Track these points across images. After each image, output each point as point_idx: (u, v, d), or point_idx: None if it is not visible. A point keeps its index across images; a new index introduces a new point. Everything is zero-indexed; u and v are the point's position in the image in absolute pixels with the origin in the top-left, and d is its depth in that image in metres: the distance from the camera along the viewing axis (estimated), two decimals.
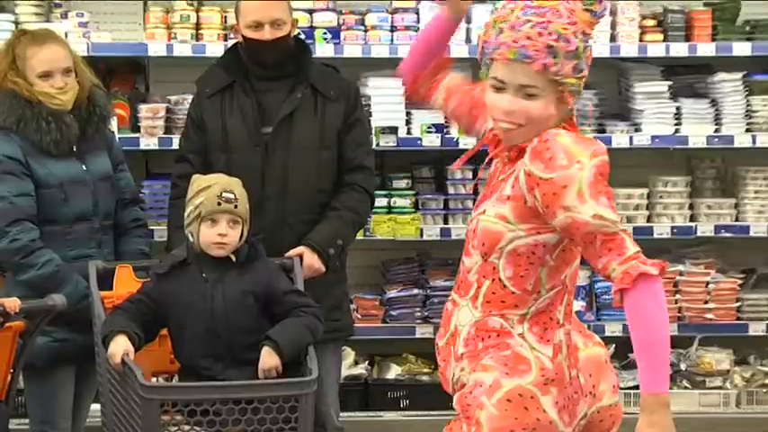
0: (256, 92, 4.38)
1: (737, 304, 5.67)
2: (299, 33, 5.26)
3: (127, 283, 4.01)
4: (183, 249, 3.82)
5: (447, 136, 5.50)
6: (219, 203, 3.74)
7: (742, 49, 5.62)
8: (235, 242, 3.77)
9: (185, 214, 3.81)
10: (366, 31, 5.52)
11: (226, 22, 5.46)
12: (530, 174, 2.71)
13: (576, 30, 2.73)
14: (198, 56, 5.39)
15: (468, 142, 5.44)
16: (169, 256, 3.87)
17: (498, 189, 2.83)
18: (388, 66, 5.26)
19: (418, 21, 5.51)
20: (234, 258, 3.79)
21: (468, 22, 5.51)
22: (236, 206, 3.76)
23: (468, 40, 5.52)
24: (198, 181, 3.84)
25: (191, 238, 3.79)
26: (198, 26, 5.44)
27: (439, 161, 5.72)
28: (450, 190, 5.66)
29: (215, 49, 5.37)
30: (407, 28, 5.51)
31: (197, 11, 5.46)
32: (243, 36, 4.36)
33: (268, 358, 3.64)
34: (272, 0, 4.34)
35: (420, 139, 5.42)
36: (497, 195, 2.81)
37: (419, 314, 5.58)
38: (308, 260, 4.22)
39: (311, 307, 3.82)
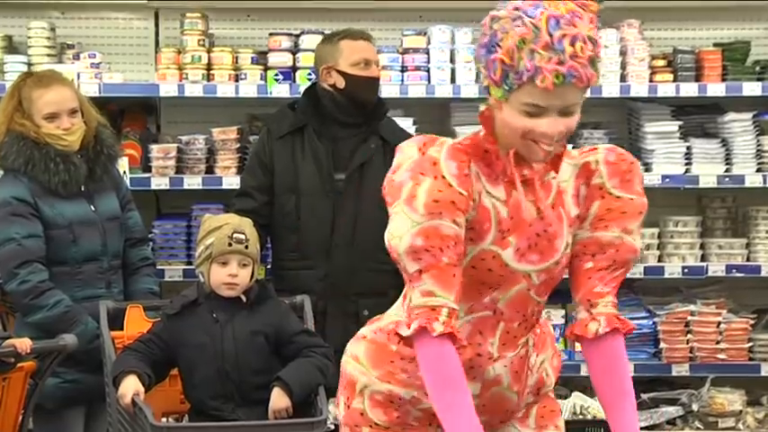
0: (329, 137, 4.43)
1: (749, 344, 5.64)
2: (309, 73, 5.32)
3: (137, 323, 4.01)
4: (193, 290, 3.84)
5: None
6: (230, 244, 3.76)
7: (752, 89, 5.62)
8: (245, 283, 3.78)
9: (196, 254, 3.84)
10: None
11: (237, 62, 5.48)
12: (601, 187, 2.66)
13: (596, 25, 2.50)
14: (209, 96, 5.42)
15: None
16: (180, 296, 3.88)
17: (557, 213, 2.62)
18: (398, 106, 5.28)
19: (428, 61, 5.53)
20: (244, 299, 3.78)
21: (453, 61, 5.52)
22: (246, 246, 3.77)
23: (478, 79, 5.51)
24: (209, 221, 3.86)
25: (201, 279, 3.80)
26: (209, 67, 5.46)
27: None
28: None
29: (226, 89, 5.40)
30: (418, 68, 5.53)
31: (208, 51, 5.48)
32: (346, 74, 4.45)
33: (278, 399, 3.63)
34: (370, 42, 4.58)
35: None
36: (567, 220, 2.64)
37: None
38: None
39: (322, 347, 3.83)
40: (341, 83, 4.45)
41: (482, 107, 2.58)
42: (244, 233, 3.80)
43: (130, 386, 3.60)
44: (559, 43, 2.41)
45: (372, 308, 4.36)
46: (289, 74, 5.46)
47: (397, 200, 2.49)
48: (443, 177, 2.47)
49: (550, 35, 2.41)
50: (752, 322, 5.69)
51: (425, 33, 5.60)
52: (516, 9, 2.46)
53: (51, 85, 4.22)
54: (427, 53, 5.56)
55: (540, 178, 2.60)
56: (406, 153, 2.54)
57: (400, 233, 2.48)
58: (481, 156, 2.56)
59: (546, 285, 2.65)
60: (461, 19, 5.65)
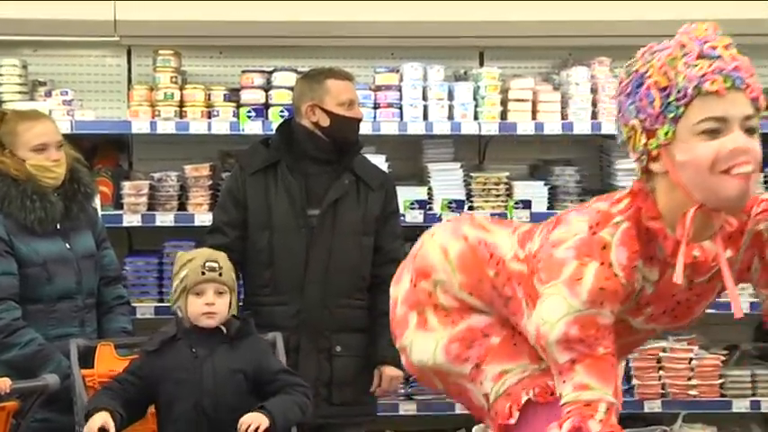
0: (302, 173, 4.44)
1: (721, 381, 5.64)
2: (282, 110, 5.33)
3: (108, 361, 3.98)
4: (172, 325, 3.82)
5: (429, 212, 5.51)
6: (204, 273, 3.75)
7: None
8: (224, 312, 3.76)
9: (172, 290, 3.83)
10: None
11: (209, 99, 5.48)
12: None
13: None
14: (181, 133, 5.42)
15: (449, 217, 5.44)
16: (159, 332, 3.86)
17: (711, 285, 2.44)
18: (371, 143, 5.28)
19: (401, 98, 5.54)
20: (224, 330, 3.77)
21: (451, 98, 5.54)
22: (220, 274, 3.77)
23: (450, 116, 5.54)
24: (182, 256, 3.87)
25: (179, 314, 3.79)
26: (182, 103, 5.45)
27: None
28: None
29: (199, 126, 5.40)
30: (390, 105, 5.54)
31: (181, 88, 5.48)
32: (331, 114, 4.46)
33: (254, 416, 3.60)
34: (353, 82, 4.63)
35: (404, 216, 5.42)
36: (721, 287, 2.45)
37: (402, 391, 5.53)
38: (391, 373, 4.47)
39: (302, 386, 3.82)
40: (325, 121, 4.46)
41: (628, 189, 2.34)
42: (217, 262, 3.79)
43: (96, 421, 3.57)
44: (712, 51, 2.23)
45: (345, 344, 4.39)
46: (261, 111, 5.46)
47: (555, 279, 2.25)
48: (610, 266, 2.24)
49: (700, 48, 2.23)
50: (723, 358, 5.69)
51: (398, 71, 5.62)
52: (648, 49, 2.32)
53: (38, 119, 4.27)
54: (400, 90, 5.58)
55: (715, 260, 2.34)
56: (574, 228, 2.29)
57: (553, 319, 2.24)
58: (644, 235, 2.32)
59: (672, 329, 2.54)
60: (434, 56, 5.69)
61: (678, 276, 2.26)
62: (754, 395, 5.64)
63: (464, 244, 2.55)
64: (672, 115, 2.22)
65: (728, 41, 2.24)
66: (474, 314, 2.58)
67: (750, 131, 2.22)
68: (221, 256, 3.85)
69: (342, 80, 4.52)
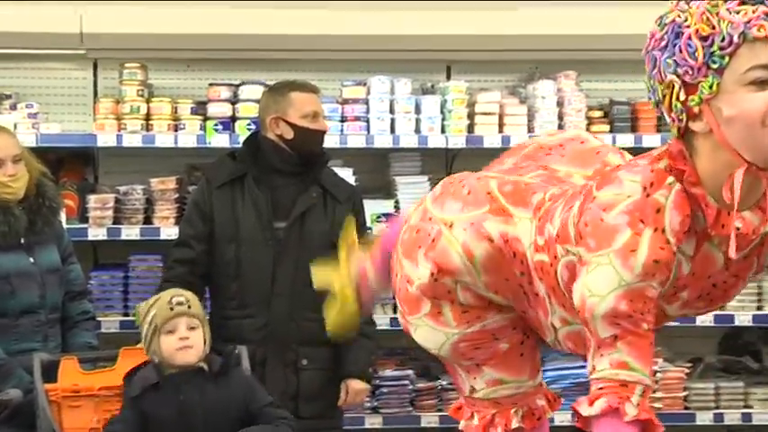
0: (269, 186, 4.43)
1: (685, 393, 5.66)
2: (249, 123, 5.31)
3: (72, 375, 3.94)
4: (150, 370, 3.72)
5: None
6: (172, 308, 3.69)
7: None
8: (200, 345, 3.70)
9: (143, 337, 3.74)
10: None
11: (176, 112, 5.46)
12: None
13: None
14: (148, 146, 5.39)
15: None
16: (138, 378, 3.74)
17: (749, 262, 2.25)
18: (338, 155, 5.27)
19: (368, 111, 5.53)
20: (206, 368, 3.70)
21: (418, 111, 5.53)
22: (189, 307, 3.72)
23: (417, 130, 5.53)
24: (144, 304, 3.81)
25: (155, 359, 3.71)
26: (148, 117, 5.43)
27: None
28: None
29: (165, 139, 5.37)
30: (357, 118, 5.53)
31: (147, 102, 5.45)
32: (295, 126, 4.43)
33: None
34: (318, 95, 4.58)
35: (371, 229, 5.40)
36: (757, 266, 2.28)
37: (368, 404, 5.51)
38: (358, 387, 4.48)
39: (286, 419, 3.81)
40: (289, 134, 4.44)
41: (662, 148, 2.15)
42: (183, 296, 3.74)
43: None
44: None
45: (312, 357, 4.37)
46: (228, 124, 5.44)
47: (606, 248, 2.05)
48: (663, 231, 2.05)
49: None
50: (687, 371, 5.71)
51: (365, 84, 5.61)
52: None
53: None
54: (367, 103, 5.57)
55: (756, 232, 2.15)
56: (627, 189, 2.08)
57: (602, 291, 2.06)
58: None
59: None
60: (401, 70, 5.69)
61: (732, 250, 2.08)
62: (717, 408, 5.66)
63: (488, 246, 2.35)
64: (716, 66, 2.01)
65: None
66: (492, 313, 2.46)
67: None
68: (187, 292, 3.81)
69: (305, 92, 4.50)
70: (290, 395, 4.37)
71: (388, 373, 5.55)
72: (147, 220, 5.43)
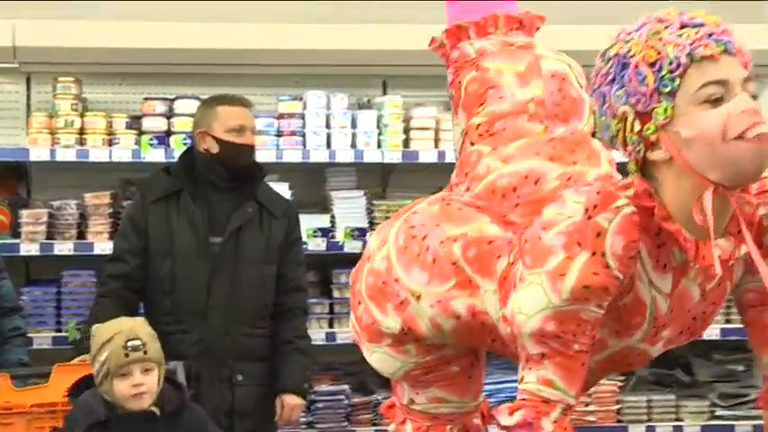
0: (205, 201, 4.40)
1: (618, 406, 5.70)
2: (185, 138, 5.29)
3: (3, 392, 3.88)
4: (98, 404, 3.52)
5: (332, 240, 5.50)
6: (127, 354, 3.47)
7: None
8: (154, 389, 3.50)
9: (94, 372, 3.53)
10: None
11: (111, 126, 5.42)
12: None
13: None
14: (82, 161, 5.34)
15: (354, 246, 5.44)
16: (85, 410, 3.53)
17: (722, 288, 2.21)
18: (274, 170, 5.25)
19: (304, 126, 5.53)
20: (158, 412, 3.53)
21: (354, 126, 5.53)
22: (145, 352, 3.50)
23: (353, 144, 5.53)
24: (98, 334, 3.55)
25: (106, 397, 3.51)
26: (82, 131, 5.38)
27: (324, 265, 5.68)
28: (336, 294, 5.62)
29: (99, 154, 5.34)
30: (293, 133, 5.52)
31: (81, 116, 5.40)
32: (219, 140, 4.39)
33: None
34: (248, 108, 4.50)
35: (306, 243, 5.39)
36: (730, 288, 2.24)
37: (304, 419, 5.49)
38: (293, 402, 4.43)
39: None
40: (215, 148, 4.41)
41: (626, 190, 2.07)
42: (139, 338, 3.50)
43: None
44: (694, 20, 2.04)
45: (247, 372, 4.35)
46: (163, 138, 5.41)
47: (539, 267, 2.04)
48: (603, 255, 2.00)
49: (680, 19, 2.05)
50: (620, 384, 5.75)
51: (301, 98, 5.61)
52: (621, 32, 2.11)
53: None
54: (303, 118, 5.57)
55: (733, 257, 2.11)
56: (568, 209, 2.05)
57: (530, 311, 2.06)
58: (653, 236, 2.08)
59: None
60: (337, 84, 5.70)
61: (718, 267, 2.02)
62: (649, 421, 5.73)
63: (456, 322, 2.34)
64: (668, 89, 2.00)
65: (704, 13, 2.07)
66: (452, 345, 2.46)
67: (752, 98, 2.02)
68: (141, 327, 3.60)
69: (232, 106, 4.46)
70: (225, 411, 4.34)
71: (324, 387, 5.55)
72: (81, 235, 5.39)
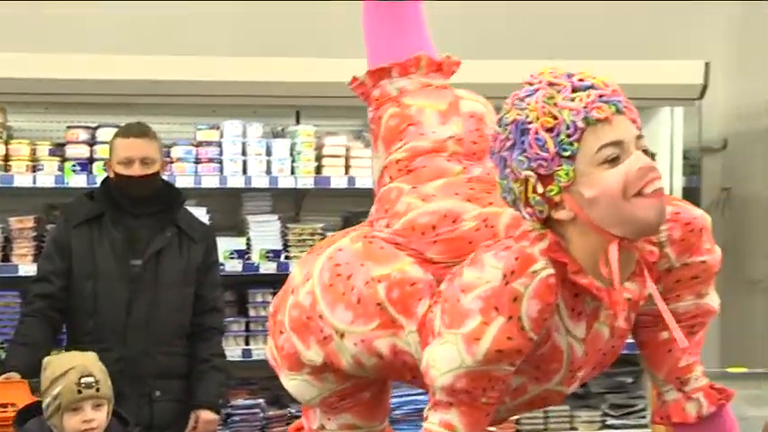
0: (126, 225, 4.40)
1: (516, 417, 5.75)
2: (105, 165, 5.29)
3: None
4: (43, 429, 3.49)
5: (248, 262, 5.54)
6: (80, 391, 3.43)
7: None
8: (103, 424, 3.49)
9: (44, 405, 3.47)
10: (171, 162, 5.54)
11: (35, 153, 5.42)
12: (669, 269, 2.23)
13: None
14: (6, 186, 5.33)
15: (269, 268, 5.49)
16: None
17: (628, 322, 2.25)
18: (193, 196, 5.29)
19: (221, 153, 5.57)
20: None
21: (269, 154, 5.59)
22: (98, 389, 3.47)
23: (268, 171, 5.59)
24: (51, 367, 3.50)
25: (54, 430, 3.47)
26: (7, 158, 5.37)
27: (240, 285, 5.73)
28: (252, 313, 5.67)
29: (23, 179, 5.35)
30: (211, 160, 5.56)
31: (6, 143, 5.40)
32: (114, 172, 4.42)
33: None
34: (143, 139, 4.42)
35: (223, 265, 5.44)
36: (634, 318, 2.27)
37: None
38: (208, 417, 4.44)
39: None
40: (114, 178, 4.46)
41: (540, 231, 2.09)
42: (92, 375, 3.47)
43: None
44: (584, 83, 2.07)
45: (165, 389, 4.39)
46: (86, 165, 5.44)
47: (455, 328, 2.05)
48: (519, 319, 2.01)
49: (571, 82, 2.08)
50: None
51: (218, 127, 5.65)
52: (514, 98, 2.12)
53: None
54: (220, 146, 5.61)
55: (642, 297, 2.16)
56: (487, 274, 2.05)
57: (443, 368, 2.08)
58: (569, 286, 2.09)
59: None
60: (252, 114, 5.75)
61: (622, 321, 2.13)
62: (546, 430, 5.85)
63: (378, 360, 2.36)
64: (567, 153, 2.02)
65: (587, 72, 2.11)
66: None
67: (645, 152, 2.07)
68: (94, 363, 3.56)
69: (124, 138, 4.45)
70: (145, 426, 4.36)
71: (240, 401, 5.57)
72: (6, 258, 5.37)
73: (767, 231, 6.02)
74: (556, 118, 2.03)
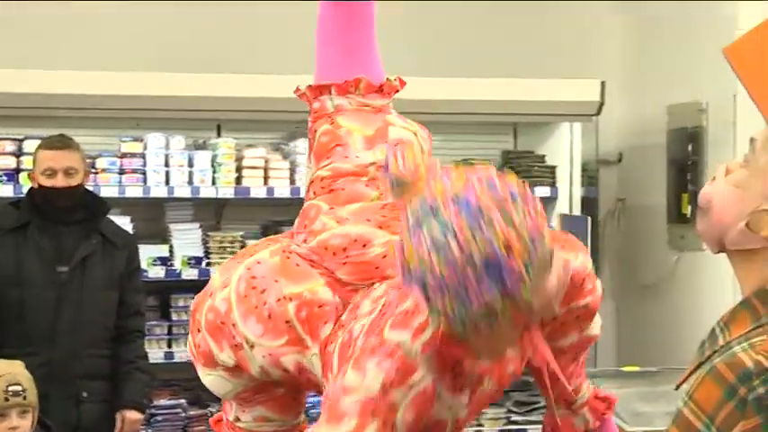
0: (52, 234, 4.40)
1: None
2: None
3: None
4: None
5: (171, 268, 5.57)
6: (7, 399, 3.48)
7: None
8: (27, 431, 3.54)
9: None
10: (97, 173, 5.53)
11: None
12: (554, 317, 2.25)
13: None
14: None
15: (190, 274, 5.51)
16: None
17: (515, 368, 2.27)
18: (117, 205, 5.29)
19: (145, 164, 5.58)
20: None
21: (191, 165, 5.61)
22: (24, 397, 3.51)
23: (190, 181, 5.61)
24: None
25: None
26: None
27: (163, 291, 5.74)
28: (174, 317, 5.69)
29: None
30: (135, 171, 5.57)
31: None
32: (38, 183, 4.44)
33: None
34: (65, 150, 4.43)
35: (147, 271, 5.44)
36: None
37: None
38: (133, 417, 4.47)
39: None
40: (36, 188, 4.46)
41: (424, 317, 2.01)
42: (20, 383, 3.52)
43: None
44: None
45: (92, 390, 4.40)
46: (12, 175, 5.43)
47: (333, 425, 2.04)
48: (393, 425, 2.02)
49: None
50: None
51: (142, 140, 5.65)
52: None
53: None
54: (144, 157, 5.61)
55: (525, 355, 2.17)
56: (367, 381, 2.04)
57: None
58: (451, 369, 2.08)
59: None
60: (175, 127, 5.74)
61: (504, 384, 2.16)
62: None
63: (284, 374, 2.39)
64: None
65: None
66: None
67: None
68: (23, 375, 3.60)
69: (47, 150, 4.49)
70: (72, 426, 4.38)
71: (163, 402, 5.58)
72: None
73: (659, 239, 6.17)
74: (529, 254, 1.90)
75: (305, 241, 2.45)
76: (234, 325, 2.39)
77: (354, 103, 2.55)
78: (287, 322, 2.34)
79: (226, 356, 2.41)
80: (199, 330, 2.48)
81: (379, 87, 2.58)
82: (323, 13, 2.60)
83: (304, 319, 2.33)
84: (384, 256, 2.32)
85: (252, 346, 2.36)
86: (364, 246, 2.36)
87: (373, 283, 2.31)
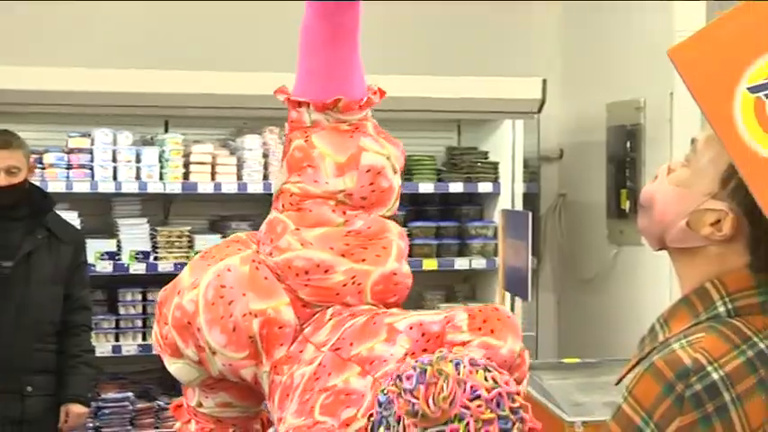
0: None
1: None
2: None
3: None
4: None
5: (118, 262, 5.49)
6: None
7: None
8: None
9: None
10: (44, 168, 5.43)
11: None
12: None
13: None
14: None
15: (138, 268, 5.43)
16: None
17: None
18: (65, 200, 5.20)
19: (92, 160, 5.49)
20: None
21: (139, 161, 5.53)
22: None
23: (138, 177, 5.53)
24: None
25: None
26: None
27: (111, 285, 5.66)
28: (122, 311, 5.61)
29: None
30: (82, 166, 5.48)
31: None
32: None
33: None
34: (7, 150, 4.37)
35: (94, 266, 5.35)
36: None
37: (91, 425, 5.44)
38: (77, 410, 4.43)
39: None
40: None
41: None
42: None
43: None
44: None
45: (36, 384, 4.32)
46: None
47: None
48: None
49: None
50: None
51: (90, 135, 5.57)
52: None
53: None
54: (91, 153, 5.53)
55: None
56: None
57: None
58: None
59: None
60: (123, 123, 5.68)
61: None
62: None
63: (241, 382, 2.53)
64: None
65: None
66: None
67: None
68: None
69: None
70: (15, 420, 4.32)
71: (110, 395, 5.52)
72: None
73: (599, 234, 6.20)
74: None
75: (270, 254, 2.49)
76: (199, 329, 2.45)
77: (332, 119, 2.56)
78: (250, 337, 2.42)
79: (190, 352, 2.49)
80: (166, 323, 2.52)
81: (358, 105, 2.58)
82: (308, 24, 2.59)
83: (264, 337, 2.42)
84: (344, 285, 2.42)
85: (214, 353, 2.44)
86: (326, 272, 2.44)
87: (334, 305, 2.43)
